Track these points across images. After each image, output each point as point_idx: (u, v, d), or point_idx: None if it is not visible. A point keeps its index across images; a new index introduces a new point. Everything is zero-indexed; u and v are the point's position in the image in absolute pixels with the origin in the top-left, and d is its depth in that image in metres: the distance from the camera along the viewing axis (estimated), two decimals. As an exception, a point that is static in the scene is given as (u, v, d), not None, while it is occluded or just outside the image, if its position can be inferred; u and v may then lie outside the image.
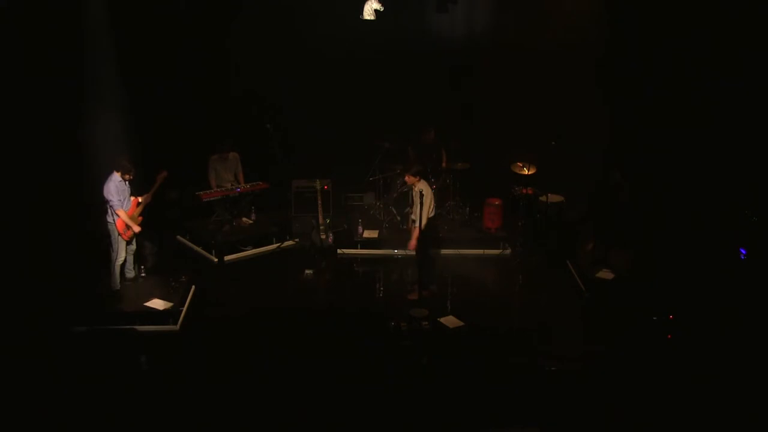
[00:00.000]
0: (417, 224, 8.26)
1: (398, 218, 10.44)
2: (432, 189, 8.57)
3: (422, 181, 8.31)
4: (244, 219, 10.56)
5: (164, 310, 7.97)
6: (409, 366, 7.18)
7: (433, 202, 8.41)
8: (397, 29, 10.91)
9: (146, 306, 8.04)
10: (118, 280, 8.35)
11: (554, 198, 10.11)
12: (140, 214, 8.40)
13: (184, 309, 8.21)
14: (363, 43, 10.94)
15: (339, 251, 10.10)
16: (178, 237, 10.53)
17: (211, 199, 10.01)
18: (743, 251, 8.65)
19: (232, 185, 10.24)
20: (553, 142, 9.88)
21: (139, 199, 8.41)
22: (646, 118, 9.92)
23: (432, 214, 8.45)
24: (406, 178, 8.39)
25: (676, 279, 8.62)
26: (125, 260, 8.46)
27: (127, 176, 8.08)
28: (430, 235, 8.60)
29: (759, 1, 8.87)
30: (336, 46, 10.89)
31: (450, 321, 7.98)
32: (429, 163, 10.26)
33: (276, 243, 10.32)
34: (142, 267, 8.86)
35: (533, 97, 10.57)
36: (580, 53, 10.39)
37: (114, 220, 8.10)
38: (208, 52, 10.72)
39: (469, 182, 10.95)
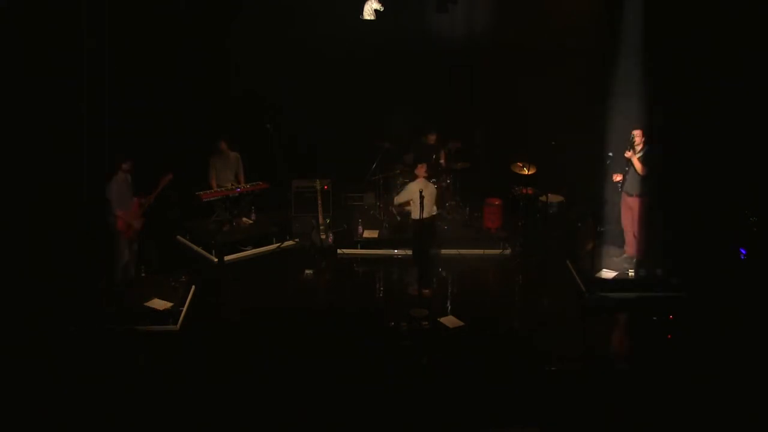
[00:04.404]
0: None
1: (398, 218, 10.44)
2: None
3: (424, 180, 8.43)
4: (244, 219, 10.56)
5: (164, 310, 7.97)
6: (409, 366, 7.18)
7: (431, 203, 8.46)
8: (397, 29, 10.90)
9: (146, 306, 8.04)
10: (119, 280, 8.35)
11: (554, 198, 10.11)
12: (142, 215, 8.41)
13: (184, 309, 8.20)
14: (363, 43, 10.93)
15: (339, 251, 10.10)
16: (178, 237, 10.53)
17: (211, 199, 10.01)
18: (743, 251, 8.65)
19: (232, 185, 10.24)
20: (553, 142, 9.90)
21: (142, 200, 8.42)
22: (646, 118, 9.91)
23: (434, 213, 8.51)
24: (419, 170, 8.58)
25: (676, 279, 8.62)
26: (126, 260, 8.46)
27: (125, 170, 8.10)
28: (430, 235, 8.62)
29: (759, 1, 8.87)
30: (336, 46, 10.89)
31: (450, 321, 7.98)
32: (429, 163, 10.28)
33: (276, 243, 10.32)
34: (143, 267, 8.86)
35: (533, 97, 10.57)
36: (580, 53, 10.39)
37: (114, 220, 8.12)
38: (208, 52, 10.72)
39: (469, 182, 10.96)
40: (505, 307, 8.67)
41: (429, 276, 8.68)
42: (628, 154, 8.63)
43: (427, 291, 8.53)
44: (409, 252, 9.33)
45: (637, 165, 8.59)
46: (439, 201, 9.82)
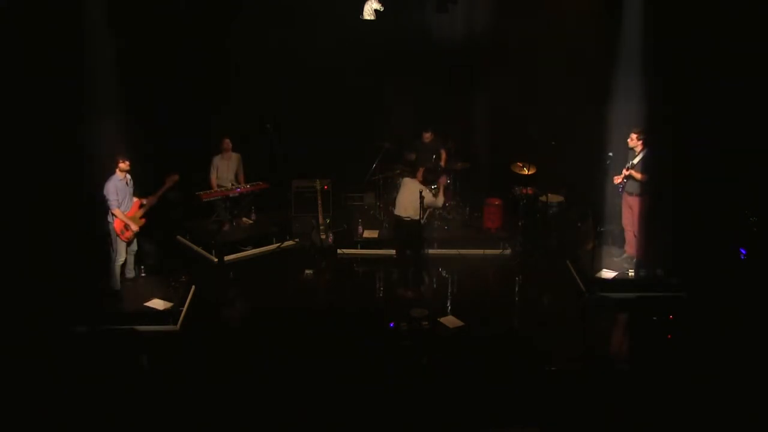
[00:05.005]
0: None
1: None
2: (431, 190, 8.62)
3: (420, 184, 8.43)
4: (244, 219, 10.56)
5: (164, 310, 7.97)
6: (409, 366, 7.18)
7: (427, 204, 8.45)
8: (397, 29, 10.90)
9: (146, 306, 8.05)
10: (118, 280, 8.35)
11: (554, 198, 10.11)
12: (143, 216, 8.41)
13: (184, 309, 8.21)
14: (363, 43, 10.93)
15: (339, 251, 10.10)
16: (178, 237, 10.53)
17: (211, 199, 10.02)
18: (743, 251, 8.65)
19: (232, 185, 10.25)
20: (553, 142, 9.90)
21: (143, 201, 8.42)
22: (646, 118, 9.91)
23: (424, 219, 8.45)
24: (418, 174, 8.48)
25: (676, 279, 8.62)
26: (125, 260, 8.46)
27: (122, 167, 8.09)
28: (423, 236, 8.61)
29: (759, 1, 8.86)
30: (336, 46, 10.88)
31: (450, 321, 7.98)
32: (429, 163, 10.28)
33: (276, 243, 10.32)
34: (142, 267, 8.86)
35: (533, 97, 10.58)
36: (580, 53, 10.39)
37: (113, 220, 8.12)
38: (208, 52, 10.71)
39: (469, 182, 10.96)
40: (505, 307, 8.67)
41: (419, 277, 8.64)
42: (626, 172, 8.67)
43: (414, 291, 8.55)
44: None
45: (637, 176, 8.62)
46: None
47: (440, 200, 8.94)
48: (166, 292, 8.32)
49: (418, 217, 8.33)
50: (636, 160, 8.62)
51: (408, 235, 8.50)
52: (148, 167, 8.86)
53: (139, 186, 8.54)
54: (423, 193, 8.44)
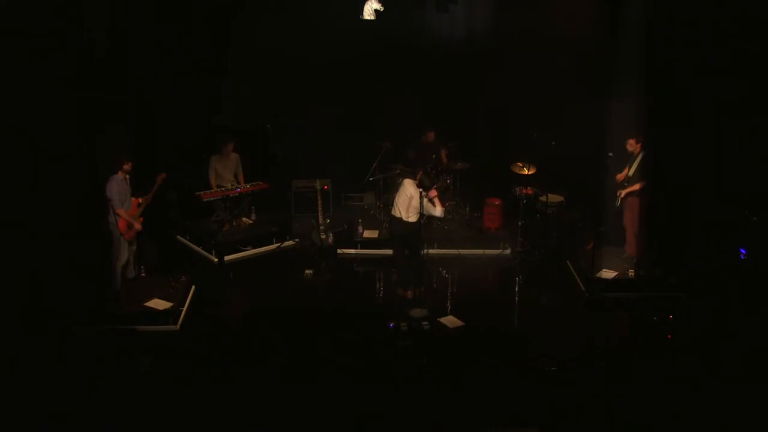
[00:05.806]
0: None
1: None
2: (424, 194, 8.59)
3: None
4: (244, 219, 10.56)
5: (164, 310, 7.97)
6: (409, 366, 7.18)
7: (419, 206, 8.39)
8: (396, 29, 10.90)
9: (146, 306, 8.04)
10: (119, 280, 8.35)
11: (554, 198, 10.11)
12: (140, 215, 8.42)
13: (184, 309, 8.21)
14: (363, 43, 10.93)
15: (339, 251, 10.10)
16: (178, 237, 10.53)
17: (211, 199, 10.01)
18: (743, 251, 8.65)
19: (232, 185, 10.25)
20: (554, 142, 9.90)
21: (140, 200, 8.42)
22: (646, 118, 9.92)
23: (413, 218, 8.38)
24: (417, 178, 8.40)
25: (676, 279, 8.63)
26: (125, 260, 8.46)
27: (126, 168, 8.10)
28: (419, 236, 8.59)
29: (759, 1, 8.87)
30: (336, 46, 10.88)
31: (450, 321, 7.98)
32: (429, 163, 10.28)
33: (276, 243, 10.32)
34: (142, 267, 8.86)
35: (533, 97, 10.58)
36: (581, 53, 10.40)
37: (116, 220, 8.12)
38: (208, 51, 10.71)
39: (469, 182, 10.96)
40: (505, 307, 8.67)
41: (418, 277, 8.63)
42: (621, 193, 8.74)
43: (408, 291, 8.54)
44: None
45: (636, 187, 8.68)
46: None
47: (438, 210, 8.35)
48: (166, 292, 8.32)
49: (412, 220, 8.30)
50: (633, 168, 8.62)
51: (402, 235, 8.47)
52: (148, 168, 8.84)
53: (137, 186, 8.52)
54: (423, 193, 8.40)
